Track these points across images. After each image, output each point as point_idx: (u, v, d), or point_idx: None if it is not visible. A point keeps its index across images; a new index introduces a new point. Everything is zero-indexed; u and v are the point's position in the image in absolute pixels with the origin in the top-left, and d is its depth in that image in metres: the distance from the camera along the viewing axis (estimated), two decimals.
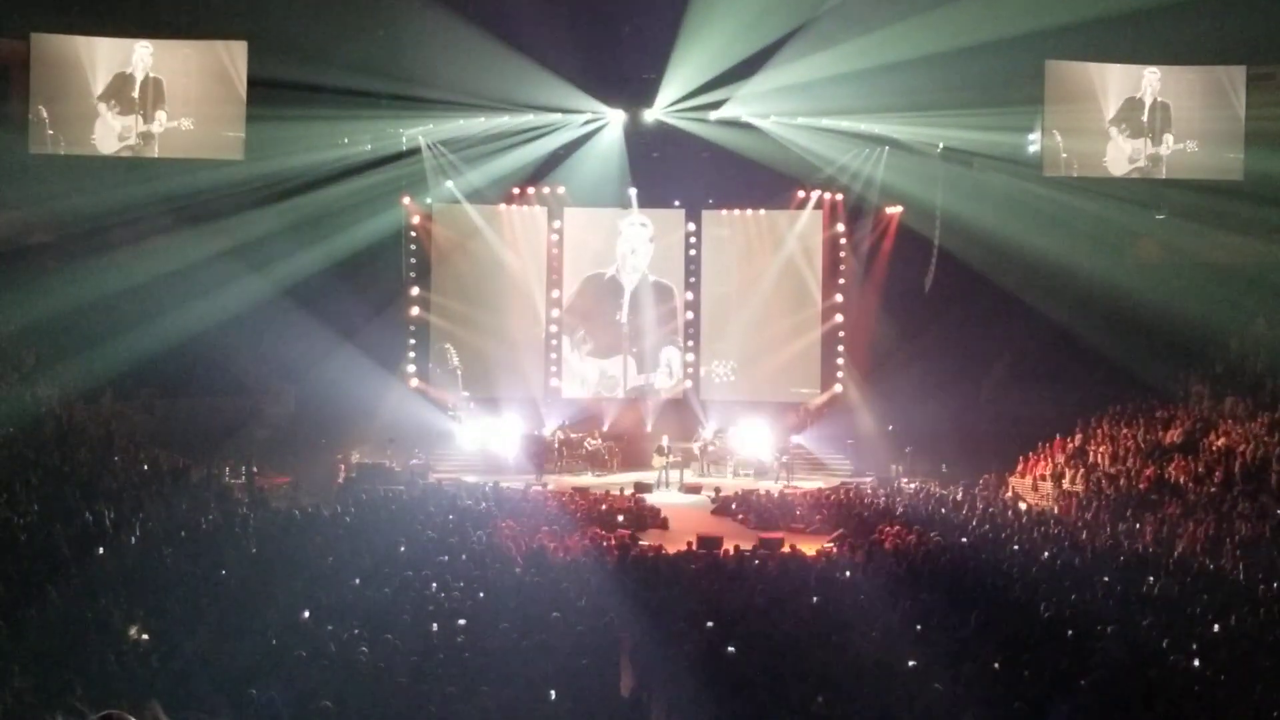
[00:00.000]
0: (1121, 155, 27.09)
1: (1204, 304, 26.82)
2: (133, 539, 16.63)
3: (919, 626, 13.64)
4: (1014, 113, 26.70)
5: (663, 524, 22.95)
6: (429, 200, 29.89)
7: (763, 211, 31.00)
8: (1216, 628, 13.44)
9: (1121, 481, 22.49)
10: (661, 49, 25.99)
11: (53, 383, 24.36)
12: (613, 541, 19.75)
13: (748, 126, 28.42)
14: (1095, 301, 27.47)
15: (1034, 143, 27.65)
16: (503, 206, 30.41)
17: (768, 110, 27.91)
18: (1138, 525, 20.07)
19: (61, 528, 16.38)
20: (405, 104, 26.30)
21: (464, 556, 17.12)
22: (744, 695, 11.42)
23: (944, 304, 28.53)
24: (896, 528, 19.87)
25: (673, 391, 30.80)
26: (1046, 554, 17.61)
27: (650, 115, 28.55)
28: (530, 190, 30.19)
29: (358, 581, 15.29)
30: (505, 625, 13.32)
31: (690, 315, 30.92)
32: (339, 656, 12.07)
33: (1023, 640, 12.94)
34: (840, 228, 30.79)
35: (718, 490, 25.86)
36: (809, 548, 19.46)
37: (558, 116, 28.55)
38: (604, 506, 23.10)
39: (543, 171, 29.69)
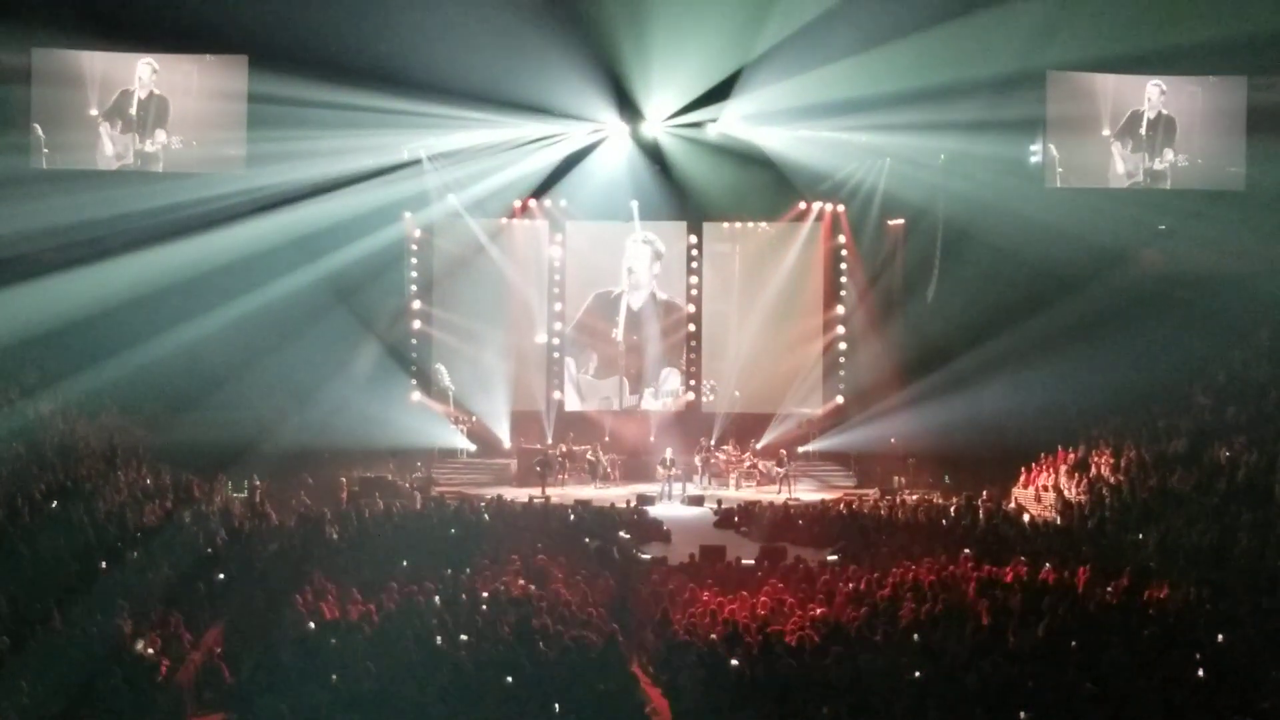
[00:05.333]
0: (1122, 167, 27.13)
1: (1206, 314, 26.82)
2: (135, 553, 16.64)
3: (917, 637, 13.67)
4: (1016, 123, 26.76)
5: (665, 536, 22.94)
6: (430, 214, 29.88)
7: (764, 224, 31.04)
8: (1220, 638, 13.43)
9: (1124, 492, 22.47)
10: (662, 61, 25.99)
11: (56, 397, 24.37)
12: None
13: (749, 138, 28.45)
14: (1098, 312, 27.47)
15: (1035, 154, 27.68)
16: (504, 220, 30.44)
17: (769, 122, 27.94)
18: (1140, 535, 20.03)
19: (65, 542, 16.39)
20: (406, 118, 26.30)
21: (467, 570, 17.13)
22: (750, 706, 11.43)
23: (946, 315, 28.51)
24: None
25: (675, 404, 30.81)
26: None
27: (651, 128, 28.58)
28: (532, 204, 30.22)
29: (360, 596, 15.30)
30: (509, 638, 13.34)
31: (692, 327, 30.91)
32: (344, 671, 12.09)
33: (1025, 651, 12.94)
34: (842, 239, 30.80)
35: (720, 502, 25.84)
36: (811, 559, 19.44)
37: (559, 130, 28.58)
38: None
39: (544, 185, 29.67)
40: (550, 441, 29.40)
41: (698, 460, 28.67)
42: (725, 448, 29.33)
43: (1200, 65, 26.76)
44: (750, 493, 27.54)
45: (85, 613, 13.56)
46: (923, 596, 15.34)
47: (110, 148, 25.93)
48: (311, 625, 13.71)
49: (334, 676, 11.87)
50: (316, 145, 26.00)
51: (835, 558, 19.93)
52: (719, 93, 26.83)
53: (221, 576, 16.45)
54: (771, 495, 26.92)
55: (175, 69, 26.11)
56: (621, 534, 21.99)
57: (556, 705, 11.33)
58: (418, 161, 28.91)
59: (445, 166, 29.14)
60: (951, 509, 23.42)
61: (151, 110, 25.94)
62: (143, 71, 26.01)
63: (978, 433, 26.67)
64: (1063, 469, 24.78)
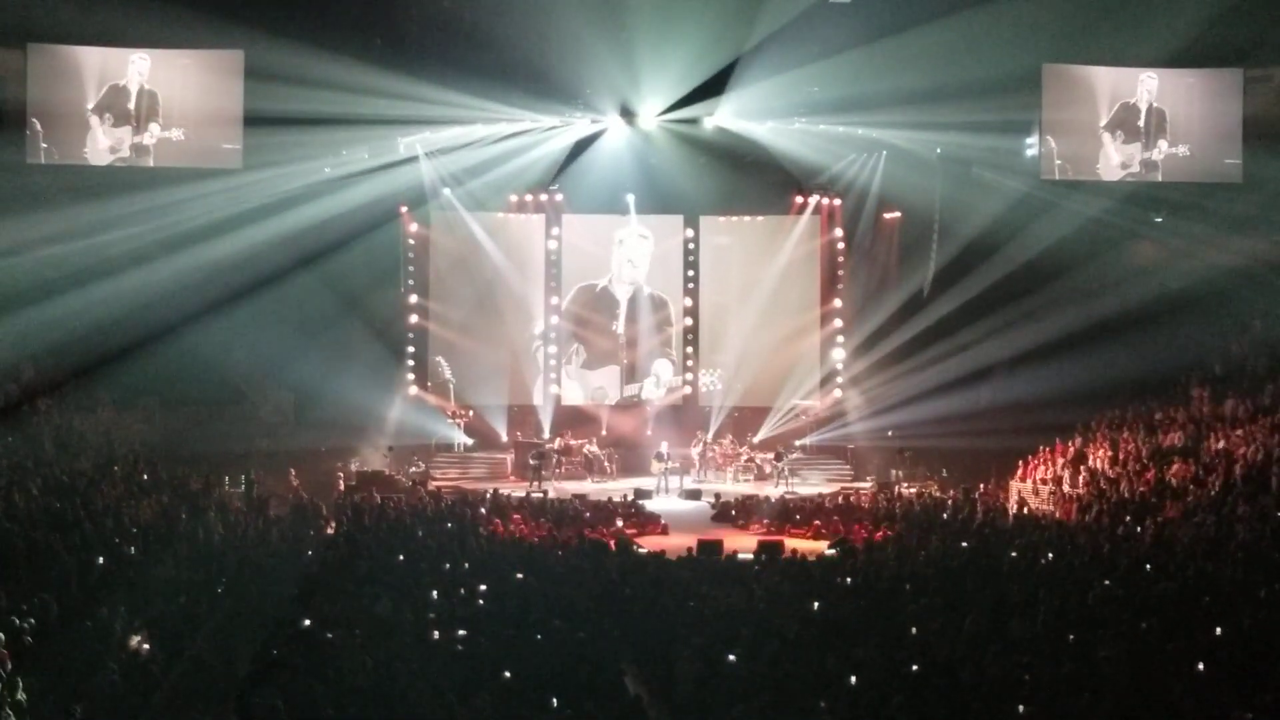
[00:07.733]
0: (1116, 160, 27.11)
1: (1203, 306, 26.82)
2: (132, 549, 16.60)
3: (914, 630, 13.65)
4: (1012, 116, 26.73)
5: (662, 530, 22.95)
6: (426, 209, 29.85)
7: (761, 218, 31.03)
8: (1218, 631, 13.41)
9: (1121, 484, 22.47)
10: (661, 53, 25.91)
11: (52, 393, 24.30)
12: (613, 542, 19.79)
13: (746, 131, 28.41)
14: (1094, 305, 27.47)
15: (1031, 146, 27.66)
16: (500, 214, 30.41)
17: (766, 115, 27.90)
18: (1138, 528, 20.04)
19: (61, 537, 16.34)
20: (402, 112, 26.22)
21: (465, 564, 17.11)
22: (745, 701, 11.41)
23: (942, 308, 28.49)
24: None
25: (672, 398, 30.81)
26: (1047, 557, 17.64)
27: (647, 121, 28.54)
28: (528, 198, 30.21)
29: (356, 589, 15.27)
30: (508, 632, 13.31)
31: (689, 321, 30.90)
32: (339, 665, 12.06)
33: (1023, 644, 12.93)
34: (839, 232, 30.81)
35: (718, 496, 25.83)
36: (809, 553, 19.44)
37: (556, 122, 28.56)
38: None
39: (541, 178, 29.64)
40: (547, 435, 29.40)
41: (694, 454, 28.67)
42: (722, 441, 29.35)
43: (1196, 58, 26.74)
44: (748, 486, 27.55)
45: (81, 609, 13.51)
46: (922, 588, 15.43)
47: (102, 142, 25.82)
48: (306, 620, 13.69)
49: (330, 671, 11.84)
50: (313, 139, 25.95)
51: (833, 551, 19.93)
52: (715, 85, 26.75)
53: (217, 571, 16.44)
54: (769, 489, 26.92)
55: (170, 64, 26.02)
56: (619, 526, 22.04)
57: (554, 699, 11.31)
58: (414, 158, 28.88)
59: (442, 161, 29.14)
60: (949, 502, 23.43)
61: (144, 104, 25.84)
62: (138, 66, 25.91)
63: (975, 426, 26.70)
64: (1060, 462, 24.79)
